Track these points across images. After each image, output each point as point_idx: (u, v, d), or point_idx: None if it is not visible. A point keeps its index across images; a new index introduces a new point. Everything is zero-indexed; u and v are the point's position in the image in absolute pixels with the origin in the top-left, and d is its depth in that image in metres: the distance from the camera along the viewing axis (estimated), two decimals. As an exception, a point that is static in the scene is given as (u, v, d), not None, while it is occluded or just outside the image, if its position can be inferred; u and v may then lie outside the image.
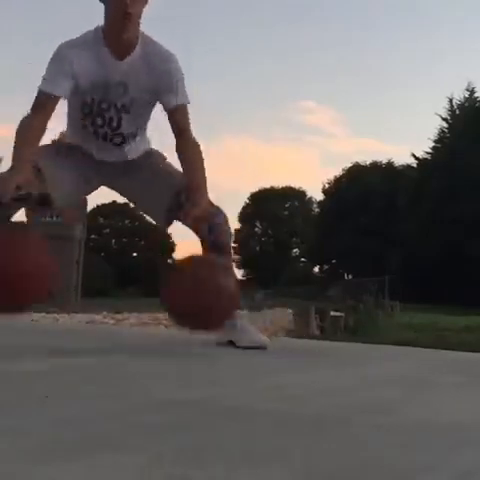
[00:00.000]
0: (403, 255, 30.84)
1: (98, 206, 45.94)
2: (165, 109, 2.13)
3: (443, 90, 76.55)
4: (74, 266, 7.23)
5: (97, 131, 2.17)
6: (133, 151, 2.26)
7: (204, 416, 1.07)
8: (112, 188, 2.36)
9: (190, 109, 2.16)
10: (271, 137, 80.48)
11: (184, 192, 2.13)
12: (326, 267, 45.76)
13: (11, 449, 0.78)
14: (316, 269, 48.52)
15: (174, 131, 2.16)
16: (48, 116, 2.07)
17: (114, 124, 2.16)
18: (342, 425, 1.04)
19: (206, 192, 2.08)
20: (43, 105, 2.05)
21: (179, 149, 2.14)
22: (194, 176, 2.10)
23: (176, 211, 2.18)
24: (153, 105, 2.19)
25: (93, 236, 42.18)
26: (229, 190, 72.24)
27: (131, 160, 2.27)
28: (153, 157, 2.33)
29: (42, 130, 2.07)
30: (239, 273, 51.59)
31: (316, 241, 41.85)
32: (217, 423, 1.02)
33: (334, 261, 43.78)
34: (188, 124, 2.16)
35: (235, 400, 1.26)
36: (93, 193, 2.41)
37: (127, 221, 49.24)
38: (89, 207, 28.37)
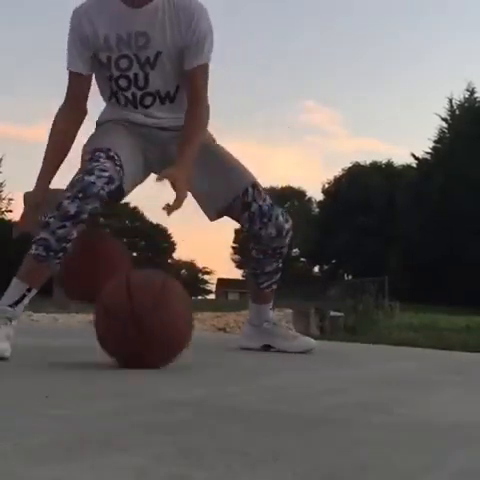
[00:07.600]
0: (403, 255, 30.82)
1: (98, 206, 45.88)
2: (185, 67, 1.95)
3: (443, 90, 76.55)
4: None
5: (125, 96, 1.99)
6: (179, 120, 2.02)
7: (204, 416, 1.07)
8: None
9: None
10: (271, 137, 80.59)
11: (243, 196, 2.04)
12: (326, 267, 45.75)
13: (11, 449, 0.78)
14: (316, 269, 48.54)
15: (188, 92, 1.99)
16: (80, 97, 2.00)
17: (141, 83, 1.96)
18: (342, 425, 1.04)
19: (186, 167, 1.85)
20: (72, 85, 1.98)
21: (187, 113, 1.97)
22: (184, 150, 1.90)
23: (228, 209, 2.10)
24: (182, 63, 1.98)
25: (93, 236, 42.08)
26: (229, 190, 72.04)
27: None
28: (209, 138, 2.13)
29: (72, 125, 1.98)
30: (239, 273, 51.59)
31: (316, 241, 41.81)
32: (217, 423, 1.02)
33: (334, 261, 43.77)
34: (204, 87, 1.98)
35: (235, 400, 1.26)
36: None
37: (127, 221, 49.25)
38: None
